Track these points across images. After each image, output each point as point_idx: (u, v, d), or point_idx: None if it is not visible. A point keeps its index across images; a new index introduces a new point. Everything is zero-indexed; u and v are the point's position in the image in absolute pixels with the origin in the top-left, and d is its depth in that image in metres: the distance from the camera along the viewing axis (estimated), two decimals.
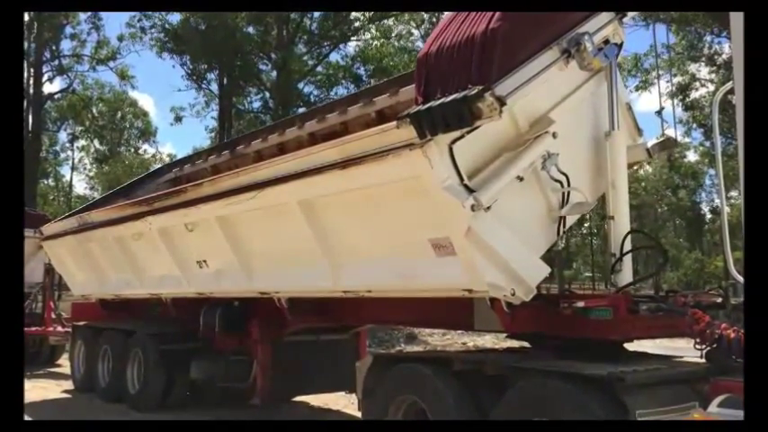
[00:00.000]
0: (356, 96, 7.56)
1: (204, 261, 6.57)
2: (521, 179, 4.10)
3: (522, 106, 4.09)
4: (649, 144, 5.42)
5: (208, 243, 6.30)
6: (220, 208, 5.79)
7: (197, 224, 6.29)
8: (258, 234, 5.72)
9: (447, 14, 4.38)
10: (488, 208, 3.83)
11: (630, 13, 5.25)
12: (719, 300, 4.51)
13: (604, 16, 4.65)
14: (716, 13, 20.95)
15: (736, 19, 3.02)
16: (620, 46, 4.84)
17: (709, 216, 54.80)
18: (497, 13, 3.79)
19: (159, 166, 12.45)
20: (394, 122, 3.92)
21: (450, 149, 3.79)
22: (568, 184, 4.44)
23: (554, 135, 4.19)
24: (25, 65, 29.73)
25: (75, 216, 9.22)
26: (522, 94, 3.89)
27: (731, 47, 3.09)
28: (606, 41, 4.64)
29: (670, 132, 5.52)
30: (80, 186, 51.35)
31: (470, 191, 3.82)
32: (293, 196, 4.94)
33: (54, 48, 30.22)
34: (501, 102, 3.55)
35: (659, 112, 5.55)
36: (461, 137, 3.81)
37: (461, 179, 3.83)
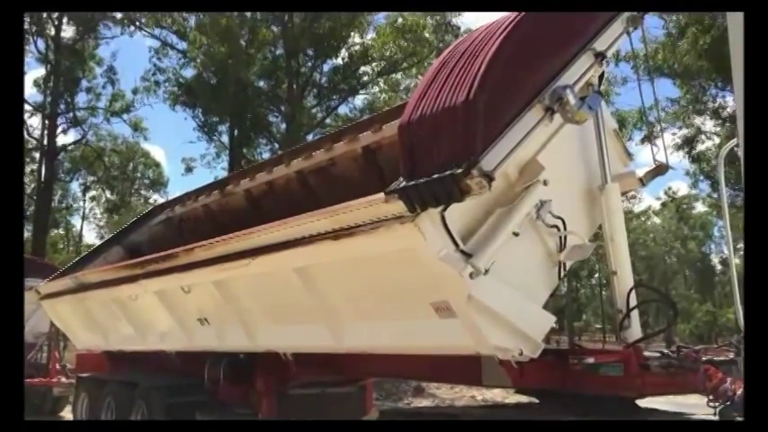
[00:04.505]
0: (341, 133, 7.57)
1: (205, 319, 6.52)
2: (516, 234, 4.03)
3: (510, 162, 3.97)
4: (642, 173, 5.43)
5: (206, 303, 6.26)
6: (215, 273, 5.72)
7: (193, 286, 6.26)
8: (257, 296, 5.67)
9: (424, 78, 4.29)
10: (487, 271, 3.75)
11: (611, 53, 4.97)
12: (732, 355, 4.44)
13: (583, 61, 4.50)
14: (719, 66, 21.31)
15: (736, 19, 2.99)
16: (600, 77, 4.74)
17: (719, 267, 54.37)
18: (476, 82, 3.68)
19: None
20: (381, 195, 3.84)
21: (443, 217, 3.70)
22: (564, 228, 4.38)
23: (545, 182, 4.12)
24: (40, 117, 30.51)
25: (69, 276, 9.09)
26: (510, 161, 3.82)
27: (732, 53, 3.06)
28: (589, 85, 4.52)
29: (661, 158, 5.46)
30: (90, 236, 51.72)
31: (467, 255, 3.74)
32: (288, 264, 4.87)
33: (69, 100, 30.92)
34: (489, 178, 3.49)
35: (648, 137, 5.55)
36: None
37: (456, 246, 3.74)
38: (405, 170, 3.77)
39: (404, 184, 3.69)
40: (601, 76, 4.73)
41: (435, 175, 3.54)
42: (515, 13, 4.12)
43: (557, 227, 4.34)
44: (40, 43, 29.90)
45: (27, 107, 30.59)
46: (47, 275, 10.58)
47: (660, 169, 5.40)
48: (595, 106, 4.41)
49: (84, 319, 9.02)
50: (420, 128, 3.83)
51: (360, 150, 6.94)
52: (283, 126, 26.19)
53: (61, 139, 31.84)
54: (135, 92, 30.37)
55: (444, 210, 3.67)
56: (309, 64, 26.78)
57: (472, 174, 3.44)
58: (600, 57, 4.56)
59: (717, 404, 3.92)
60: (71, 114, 31.12)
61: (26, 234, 34.73)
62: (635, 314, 4.58)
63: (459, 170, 3.46)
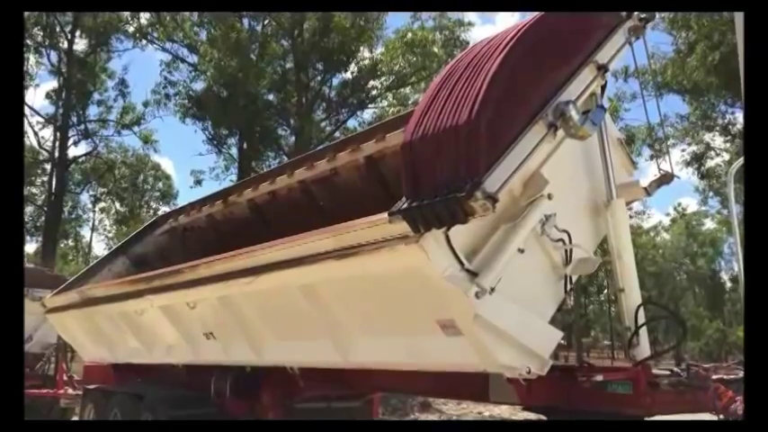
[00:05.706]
0: (344, 143, 7.56)
1: (211, 333, 6.50)
2: (521, 251, 3.98)
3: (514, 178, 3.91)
4: (647, 182, 5.38)
5: (212, 318, 6.25)
6: (219, 290, 5.71)
7: (198, 301, 6.25)
8: (262, 312, 5.66)
9: (426, 93, 4.22)
10: (493, 289, 3.71)
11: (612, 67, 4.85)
12: (742, 374, 4.39)
13: (585, 75, 4.46)
14: (729, 82, 21.29)
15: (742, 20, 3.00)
16: (603, 87, 4.67)
17: (729, 285, 53.93)
18: (479, 100, 3.63)
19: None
20: (385, 215, 3.77)
21: (447, 237, 3.65)
22: (570, 241, 4.32)
23: (549, 196, 4.06)
24: (52, 129, 30.82)
25: (75, 290, 9.07)
26: (514, 180, 3.77)
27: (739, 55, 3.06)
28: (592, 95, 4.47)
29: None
30: (99, 247, 51.94)
31: (472, 274, 3.69)
32: (292, 281, 4.85)
33: (81, 113, 31.22)
34: (493, 199, 3.43)
35: (653, 145, 5.52)
36: None
37: (461, 264, 3.69)
38: (408, 190, 3.72)
39: (407, 204, 3.63)
40: (603, 88, 4.67)
41: (439, 198, 3.49)
42: (516, 28, 4.11)
43: (562, 240, 4.29)
44: (53, 56, 30.34)
45: (39, 119, 30.99)
46: (56, 287, 10.58)
47: (665, 178, 5.35)
48: (598, 121, 4.34)
49: (91, 332, 9.02)
50: (423, 147, 3.78)
51: (362, 160, 6.93)
52: (292, 139, 26.36)
53: (72, 151, 32.20)
54: (146, 105, 30.67)
55: (448, 229, 3.62)
56: (318, 78, 27.00)
57: (476, 196, 3.38)
58: (602, 69, 4.52)
59: None
60: (82, 126, 31.46)
61: (36, 245, 34.99)
62: (644, 331, 4.53)
63: (463, 193, 3.40)
